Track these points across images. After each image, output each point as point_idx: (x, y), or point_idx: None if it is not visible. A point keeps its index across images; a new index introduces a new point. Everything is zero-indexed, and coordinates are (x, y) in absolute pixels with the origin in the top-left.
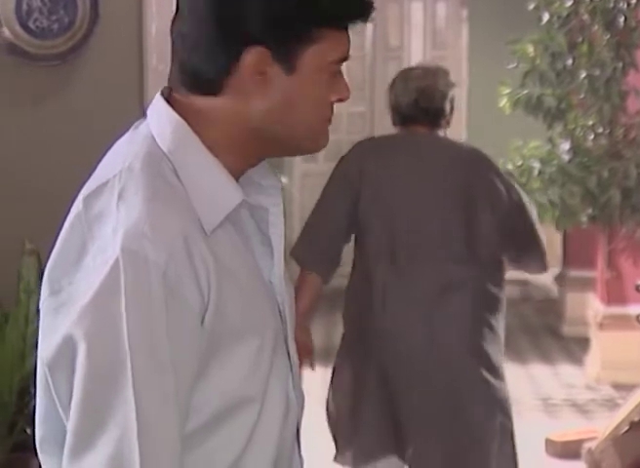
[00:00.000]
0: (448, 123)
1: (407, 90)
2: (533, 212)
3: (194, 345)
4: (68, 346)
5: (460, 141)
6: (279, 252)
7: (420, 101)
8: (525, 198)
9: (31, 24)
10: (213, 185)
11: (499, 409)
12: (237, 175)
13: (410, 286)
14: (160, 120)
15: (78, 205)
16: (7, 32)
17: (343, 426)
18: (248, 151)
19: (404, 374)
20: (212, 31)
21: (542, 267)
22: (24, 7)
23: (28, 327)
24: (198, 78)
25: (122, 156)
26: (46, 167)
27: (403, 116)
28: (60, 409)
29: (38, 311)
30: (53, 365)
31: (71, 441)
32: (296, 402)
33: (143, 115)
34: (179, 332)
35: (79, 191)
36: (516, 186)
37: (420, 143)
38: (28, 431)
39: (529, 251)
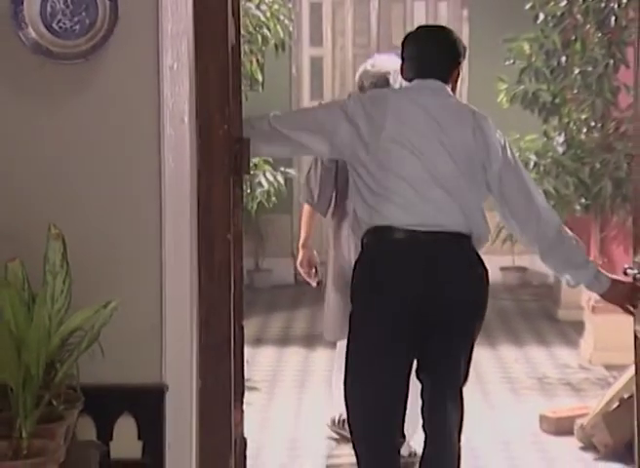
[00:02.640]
0: None
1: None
2: None
3: None
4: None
5: None
6: None
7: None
8: None
9: (55, 25)
10: None
11: None
12: None
13: None
14: (449, 91)
15: (469, 117)
16: (32, 33)
17: None
18: None
19: None
20: (452, 63)
21: None
22: (48, 9)
23: (54, 306)
24: (445, 77)
25: (462, 105)
26: (70, 158)
27: None
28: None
29: (62, 291)
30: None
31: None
32: None
33: (158, 109)
34: None
35: (99, 181)
36: None
37: None
38: (54, 403)
39: None
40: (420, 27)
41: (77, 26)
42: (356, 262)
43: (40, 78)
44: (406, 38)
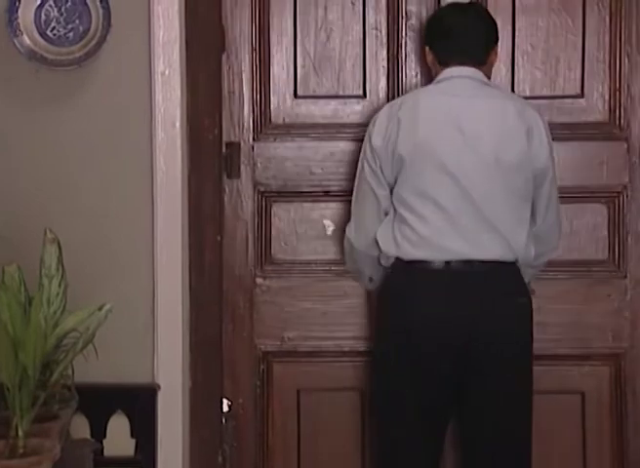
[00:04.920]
0: None
1: None
2: None
3: None
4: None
5: None
6: None
7: None
8: None
9: (49, 33)
10: None
11: None
12: None
13: None
14: (483, 78)
15: (516, 117)
16: (27, 40)
17: None
18: None
19: None
20: (491, 42)
21: None
22: (43, 17)
23: (50, 308)
24: (483, 58)
25: (504, 92)
26: (64, 162)
27: None
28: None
29: (58, 294)
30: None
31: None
32: None
33: (150, 114)
34: None
35: (93, 185)
36: None
37: None
38: (49, 402)
39: None
40: (449, 5)
41: (71, 34)
42: (380, 293)
43: (35, 84)
44: (433, 17)
